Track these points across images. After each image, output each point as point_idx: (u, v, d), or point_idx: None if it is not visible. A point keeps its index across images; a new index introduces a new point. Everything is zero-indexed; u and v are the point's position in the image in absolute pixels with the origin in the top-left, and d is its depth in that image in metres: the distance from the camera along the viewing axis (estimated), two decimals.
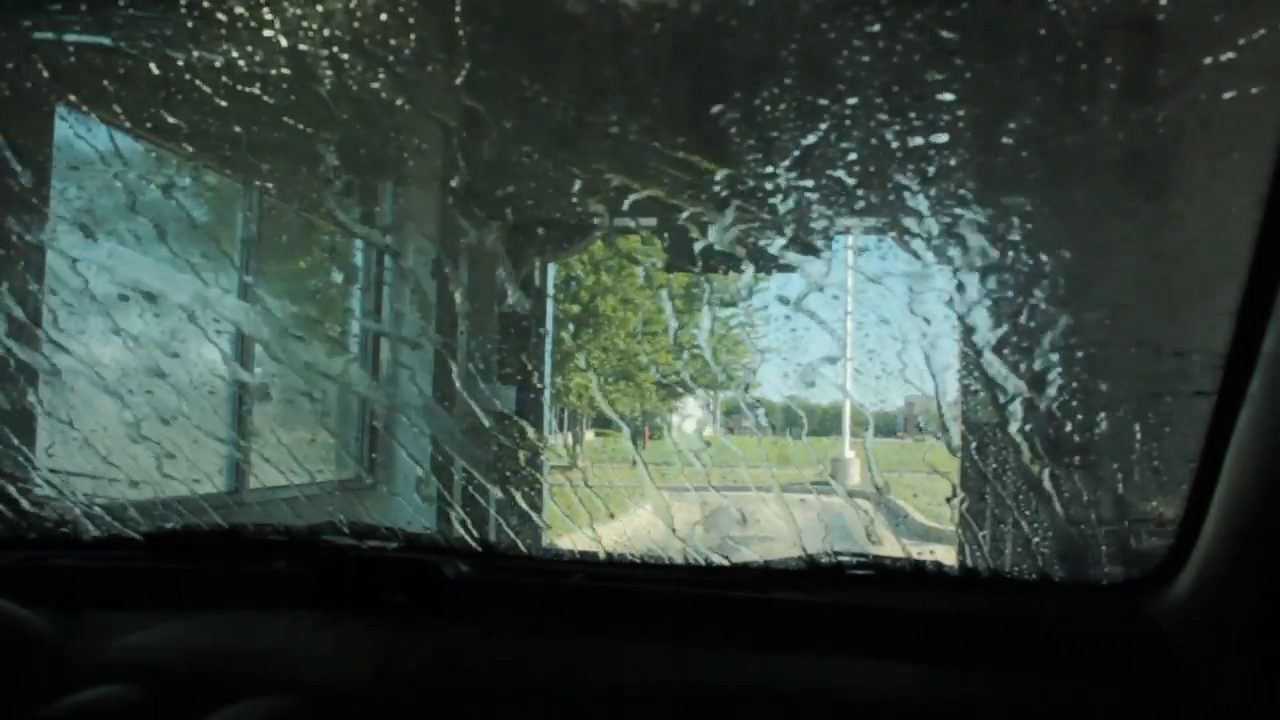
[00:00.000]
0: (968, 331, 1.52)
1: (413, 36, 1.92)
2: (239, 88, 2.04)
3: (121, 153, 2.20)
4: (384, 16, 1.90)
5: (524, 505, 1.93)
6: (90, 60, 2.11)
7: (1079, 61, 1.55)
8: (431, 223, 2.81)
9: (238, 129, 2.24)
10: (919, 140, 1.61)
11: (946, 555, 1.55)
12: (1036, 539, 1.60)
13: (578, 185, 1.93)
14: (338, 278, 4.80)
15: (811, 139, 1.72)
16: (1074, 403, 1.47)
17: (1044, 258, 1.54)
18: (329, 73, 1.91)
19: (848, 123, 1.68)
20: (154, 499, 1.86)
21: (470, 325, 2.01)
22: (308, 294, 5.01)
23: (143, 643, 1.39)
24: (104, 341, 1.98)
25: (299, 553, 1.65)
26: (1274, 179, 0.95)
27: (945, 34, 1.55)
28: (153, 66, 2.06)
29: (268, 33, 1.88)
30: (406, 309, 2.16)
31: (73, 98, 2.18)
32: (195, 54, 2.00)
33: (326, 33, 1.87)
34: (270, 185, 3.44)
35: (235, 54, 1.97)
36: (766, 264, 1.72)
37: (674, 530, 1.68)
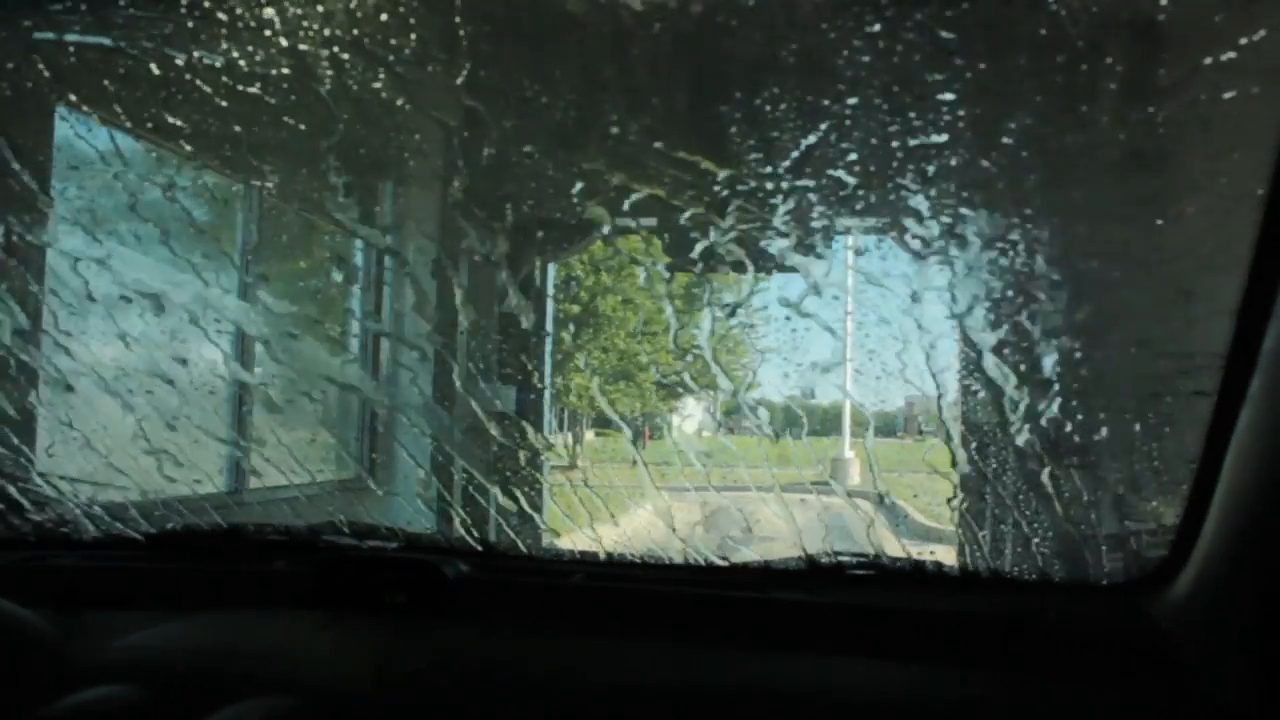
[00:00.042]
0: (968, 332, 1.52)
1: (413, 36, 1.92)
2: (239, 88, 2.04)
3: (122, 153, 2.20)
4: (384, 16, 1.90)
5: (524, 505, 1.93)
6: (90, 60, 2.11)
7: (1079, 61, 1.55)
8: (431, 223, 2.82)
9: (238, 129, 2.25)
10: (919, 140, 1.61)
11: (946, 555, 1.55)
12: (1036, 539, 1.60)
13: (578, 185, 1.93)
14: (338, 278, 4.80)
15: (812, 139, 1.72)
16: (1074, 403, 1.47)
17: (1044, 258, 1.55)
18: (329, 73, 1.91)
19: (848, 123, 1.68)
20: (154, 499, 1.86)
21: (470, 325, 2.01)
22: (308, 294, 5.01)
23: (143, 643, 1.39)
24: (104, 342, 1.98)
25: (299, 553, 1.65)
26: (1274, 179, 0.95)
27: (945, 34, 1.55)
28: (153, 66, 2.06)
29: (268, 33, 1.88)
30: (406, 309, 2.16)
31: (73, 98, 2.18)
32: (195, 54, 2.00)
33: (326, 33, 1.87)
34: (270, 185, 3.44)
35: (235, 54, 1.97)
36: (767, 264, 1.71)
37: (674, 530, 1.68)
